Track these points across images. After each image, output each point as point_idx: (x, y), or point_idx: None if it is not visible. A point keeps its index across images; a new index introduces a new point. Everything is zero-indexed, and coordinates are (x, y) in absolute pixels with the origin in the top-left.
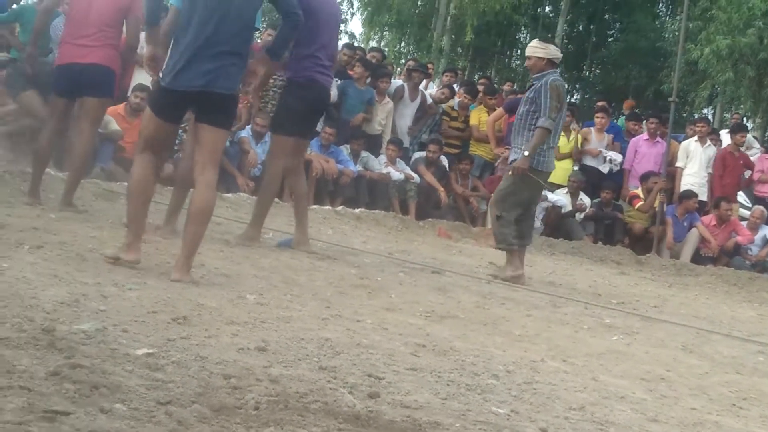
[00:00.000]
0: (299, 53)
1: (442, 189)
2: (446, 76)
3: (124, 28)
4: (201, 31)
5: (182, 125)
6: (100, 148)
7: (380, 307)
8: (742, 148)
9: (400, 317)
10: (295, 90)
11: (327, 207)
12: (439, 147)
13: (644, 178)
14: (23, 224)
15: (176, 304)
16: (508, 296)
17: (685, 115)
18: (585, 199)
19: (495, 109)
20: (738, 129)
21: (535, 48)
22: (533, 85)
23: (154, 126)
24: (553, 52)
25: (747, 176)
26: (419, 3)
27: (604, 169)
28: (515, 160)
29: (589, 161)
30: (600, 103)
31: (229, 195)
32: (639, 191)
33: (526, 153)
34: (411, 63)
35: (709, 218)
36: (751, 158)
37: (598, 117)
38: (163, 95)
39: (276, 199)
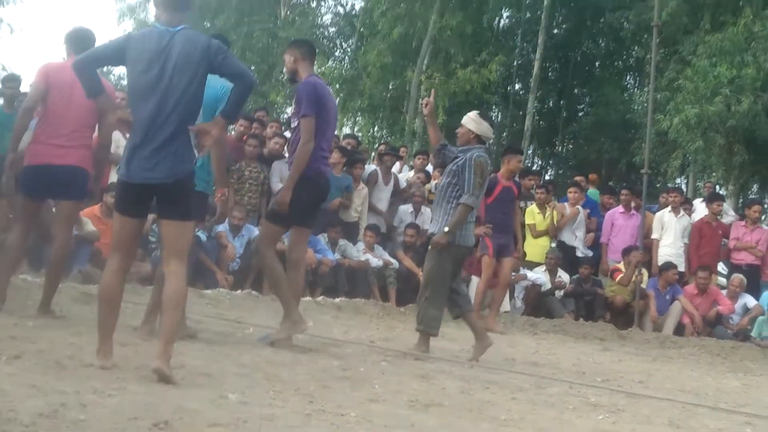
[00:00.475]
0: None
1: (421, 273)
2: (419, 159)
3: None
4: (142, 118)
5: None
6: (76, 250)
7: (364, 399)
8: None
9: (384, 408)
10: (305, 183)
11: (307, 298)
12: (416, 231)
13: (626, 252)
14: (0, 333)
15: (157, 409)
16: (492, 380)
17: (658, 185)
18: (564, 275)
19: None
20: (714, 198)
21: (470, 119)
22: (457, 157)
23: (119, 223)
24: (485, 130)
25: (725, 246)
26: (390, 87)
27: (579, 252)
28: (434, 234)
29: (565, 237)
30: (577, 178)
31: (209, 291)
32: (621, 265)
33: (447, 229)
34: (382, 147)
35: (691, 287)
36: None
37: (571, 192)
38: (120, 188)
39: (255, 293)
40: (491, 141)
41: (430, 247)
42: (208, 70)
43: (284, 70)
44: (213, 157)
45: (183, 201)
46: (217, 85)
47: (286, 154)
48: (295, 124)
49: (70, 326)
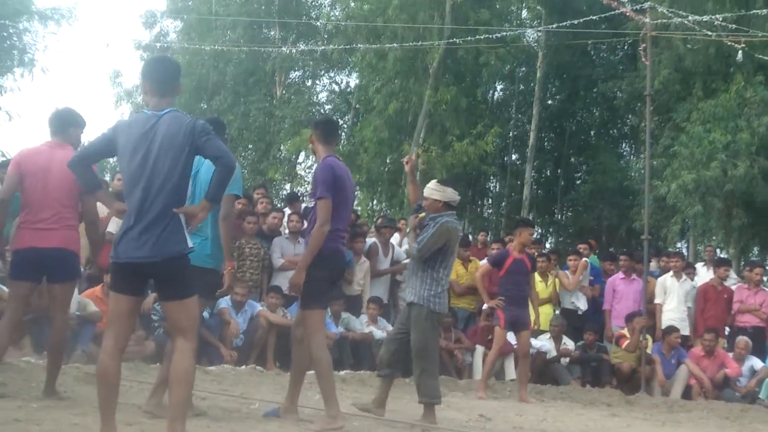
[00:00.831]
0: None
1: None
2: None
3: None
4: (132, 201)
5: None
6: (79, 330)
7: None
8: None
9: None
10: (321, 262)
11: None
12: None
13: (629, 318)
14: (4, 416)
15: None
16: None
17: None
18: (568, 342)
19: (470, 260)
20: (721, 263)
21: (431, 190)
22: (428, 225)
23: (113, 301)
24: (450, 194)
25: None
26: (388, 161)
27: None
28: (412, 302)
29: (566, 303)
30: (580, 246)
31: (213, 368)
32: (625, 331)
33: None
34: (380, 220)
35: (698, 350)
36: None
37: (571, 260)
38: (112, 268)
39: (259, 368)
40: (456, 203)
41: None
42: (195, 152)
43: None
44: (221, 233)
45: (178, 280)
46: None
47: (285, 231)
48: (312, 204)
49: (75, 407)
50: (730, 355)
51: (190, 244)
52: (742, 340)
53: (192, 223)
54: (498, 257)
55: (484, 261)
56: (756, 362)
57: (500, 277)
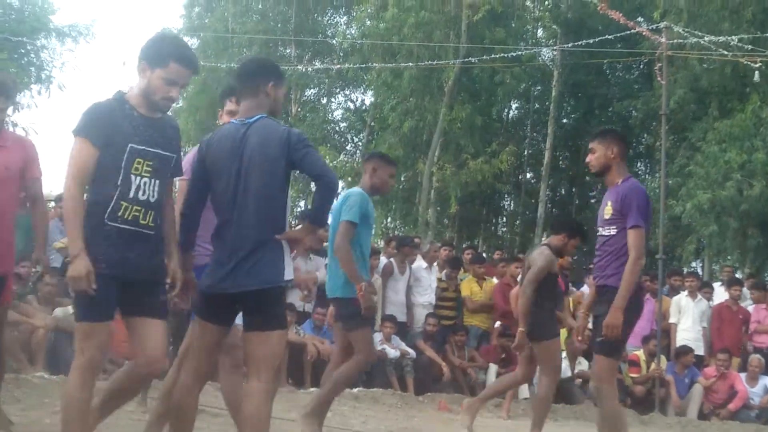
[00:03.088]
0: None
1: (444, 363)
2: (444, 250)
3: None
4: (222, 228)
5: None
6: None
7: None
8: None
9: None
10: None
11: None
12: (437, 321)
13: (645, 340)
14: None
15: None
16: None
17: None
18: (584, 362)
19: (484, 278)
20: (732, 283)
21: None
22: None
23: (199, 329)
24: None
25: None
26: (402, 179)
27: None
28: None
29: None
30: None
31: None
32: (640, 353)
33: None
34: (397, 239)
35: (711, 370)
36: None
37: (589, 280)
38: (201, 297)
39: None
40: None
41: None
42: (291, 167)
43: None
44: (340, 260)
45: (266, 311)
46: None
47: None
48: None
49: None
50: (743, 375)
51: (288, 276)
52: (755, 358)
53: (297, 250)
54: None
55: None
56: None
57: None
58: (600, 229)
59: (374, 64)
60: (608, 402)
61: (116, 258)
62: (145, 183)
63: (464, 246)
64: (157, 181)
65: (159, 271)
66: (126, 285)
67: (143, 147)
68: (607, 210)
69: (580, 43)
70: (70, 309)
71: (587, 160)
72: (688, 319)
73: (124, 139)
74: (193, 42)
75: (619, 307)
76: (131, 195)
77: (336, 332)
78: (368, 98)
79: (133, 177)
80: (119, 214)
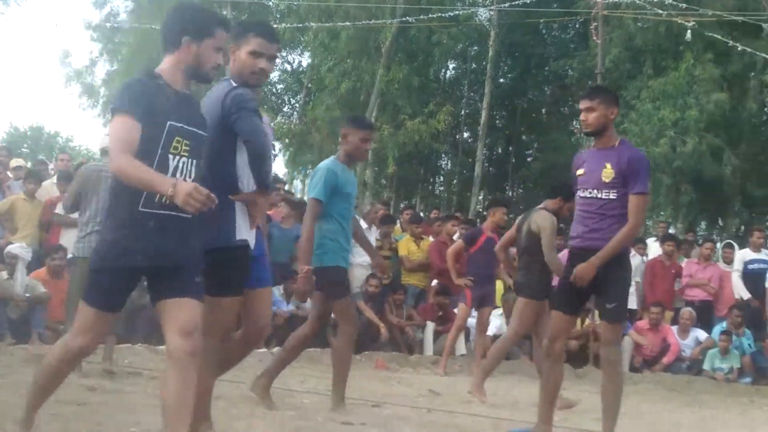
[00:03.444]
0: None
1: (383, 324)
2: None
3: None
4: None
5: None
6: (31, 314)
7: None
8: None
9: None
10: None
11: (263, 349)
12: (379, 282)
13: None
14: None
15: None
16: (452, 423)
17: None
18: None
19: (422, 238)
20: (666, 239)
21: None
22: None
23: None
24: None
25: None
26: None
27: None
28: None
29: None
30: None
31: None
32: None
33: None
34: None
35: (643, 323)
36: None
37: None
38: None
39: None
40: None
41: None
42: (230, 128)
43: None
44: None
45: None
46: None
47: None
48: None
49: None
50: (675, 328)
51: (239, 236)
52: (686, 311)
53: (254, 212)
54: (471, 235)
55: (457, 238)
56: (701, 334)
57: (470, 254)
58: (594, 191)
59: (311, 24)
60: (617, 367)
61: (152, 249)
62: (183, 163)
63: (402, 206)
64: (194, 161)
65: (194, 256)
66: (159, 269)
67: (182, 125)
68: (606, 173)
69: (516, 2)
70: (4, 274)
71: (582, 118)
72: None
73: (164, 116)
74: (127, 4)
75: (595, 265)
76: (168, 177)
77: (315, 300)
78: (305, 59)
79: (171, 157)
80: (156, 199)
